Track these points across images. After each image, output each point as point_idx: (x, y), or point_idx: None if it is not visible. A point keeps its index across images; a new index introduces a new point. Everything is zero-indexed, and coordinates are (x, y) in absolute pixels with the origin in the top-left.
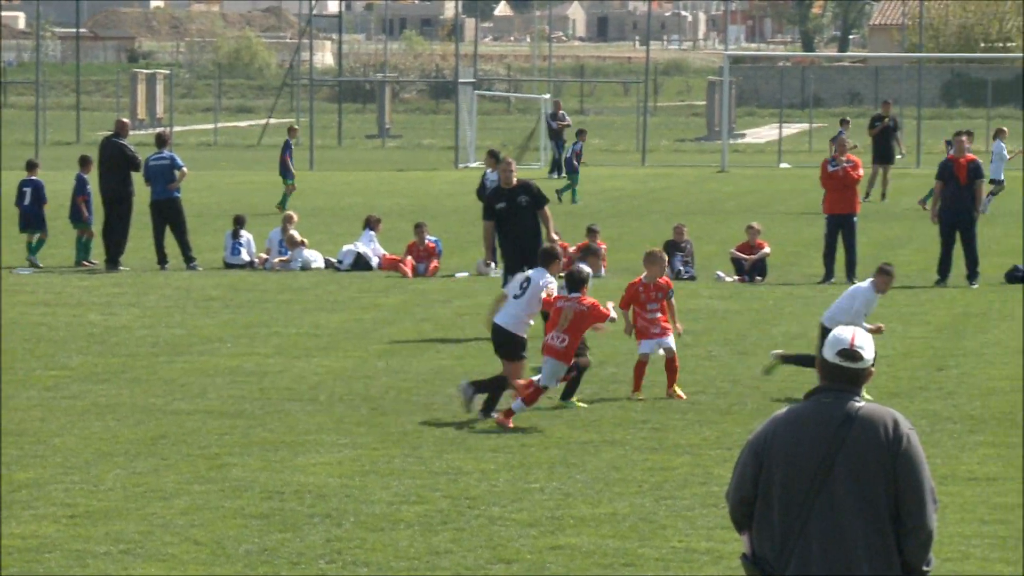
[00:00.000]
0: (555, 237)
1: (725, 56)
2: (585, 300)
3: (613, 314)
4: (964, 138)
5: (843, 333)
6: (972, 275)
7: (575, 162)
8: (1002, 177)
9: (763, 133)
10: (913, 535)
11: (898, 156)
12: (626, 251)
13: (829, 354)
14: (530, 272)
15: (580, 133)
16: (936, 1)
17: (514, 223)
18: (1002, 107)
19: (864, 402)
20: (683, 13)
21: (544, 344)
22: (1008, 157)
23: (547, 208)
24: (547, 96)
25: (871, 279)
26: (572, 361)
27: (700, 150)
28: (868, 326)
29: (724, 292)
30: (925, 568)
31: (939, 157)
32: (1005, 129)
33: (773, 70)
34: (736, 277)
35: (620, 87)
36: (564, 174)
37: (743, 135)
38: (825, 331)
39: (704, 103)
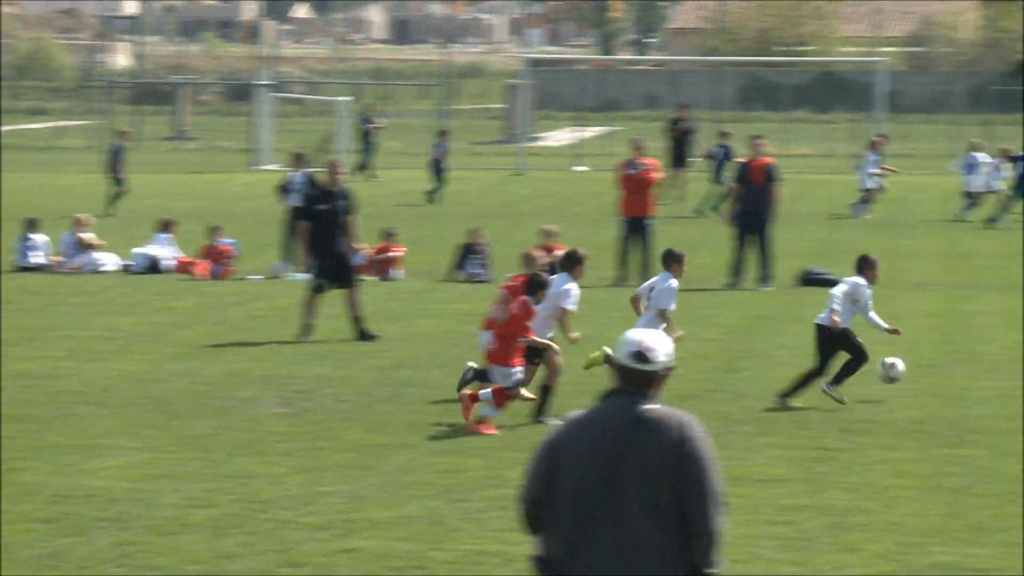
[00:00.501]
0: (361, 246)
1: (524, 59)
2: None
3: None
4: (760, 142)
5: (634, 335)
6: (765, 278)
7: (441, 164)
8: (869, 186)
9: (561, 136)
10: (699, 537)
11: (693, 160)
12: (427, 254)
13: (621, 356)
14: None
15: (443, 134)
16: (735, 2)
17: (333, 226)
18: (798, 110)
19: (655, 404)
20: (482, 16)
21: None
22: (878, 170)
23: (351, 219)
24: (348, 98)
25: (858, 276)
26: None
27: (498, 153)
28: (884, 323)
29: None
30: (712, 570)
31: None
32: (879, 139)
33: (572, 73)
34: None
35: (419, 90)
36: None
37: (541, 138)
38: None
39: (502, 106)
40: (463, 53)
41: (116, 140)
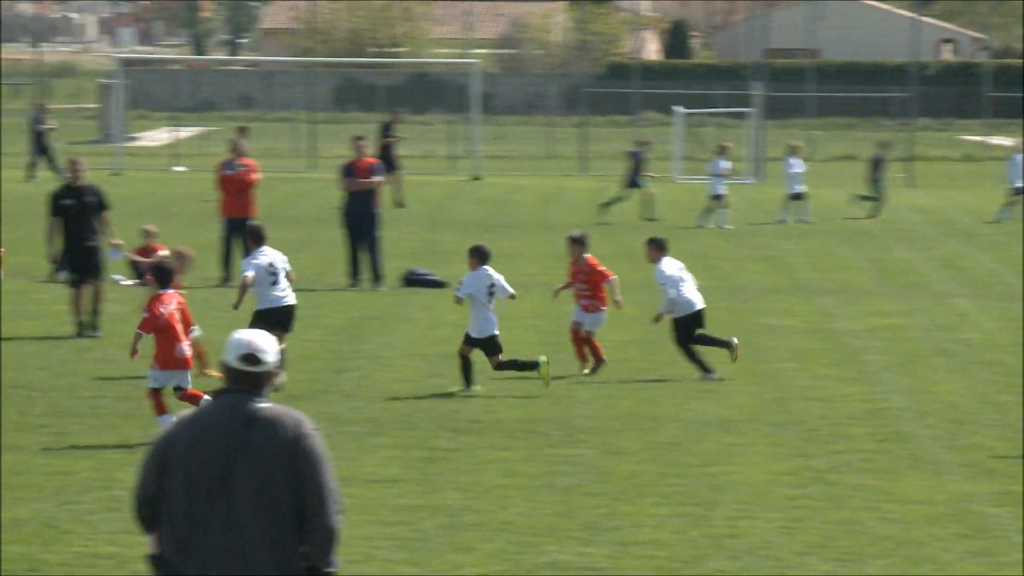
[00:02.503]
0: (118, 242)
1: (116, 59)
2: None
3: None
4: (363, 142)
5: (244, 337)
6: (377, 278)
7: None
8: (719, 192)
9: (157, 136)
10: (315, 534)
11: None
12: (22, 255)
13: (231, 358)
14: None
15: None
16: (325, 3)
17: (79, 222)
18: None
19: (267, 403)
20: (72, 15)
21: None
22: (800, 171)
23: (107, 215)
24: None
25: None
26: None
27: (94, 152)
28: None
29: (122, 295)
30: (329, 569)
31: (336, 161)
32: (727, 145)
33: (166, 73)
34: (136, 280)
35: (11, 89)
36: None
37: (137, 138)
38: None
39: (97, 106)
40: (55, 52)
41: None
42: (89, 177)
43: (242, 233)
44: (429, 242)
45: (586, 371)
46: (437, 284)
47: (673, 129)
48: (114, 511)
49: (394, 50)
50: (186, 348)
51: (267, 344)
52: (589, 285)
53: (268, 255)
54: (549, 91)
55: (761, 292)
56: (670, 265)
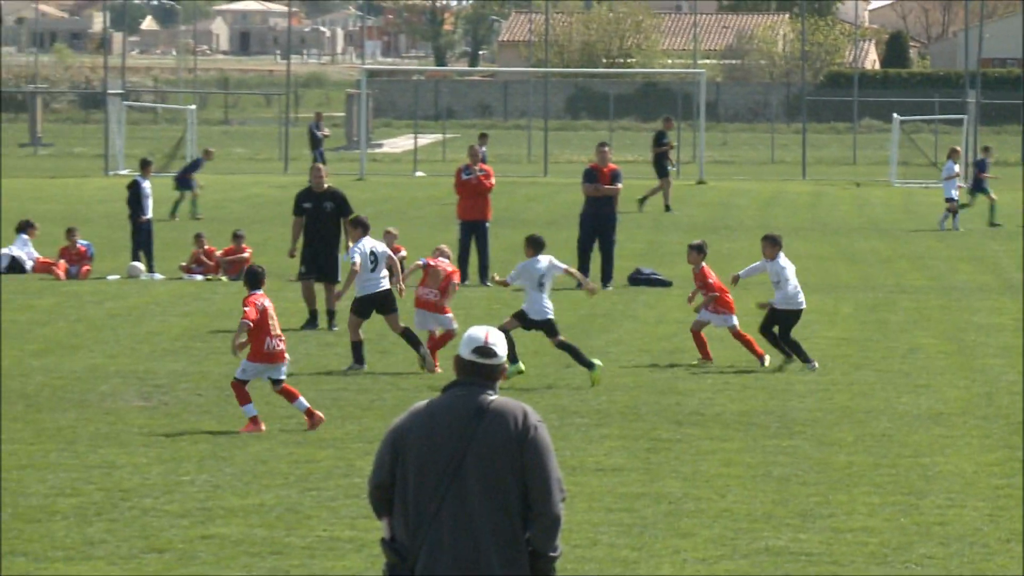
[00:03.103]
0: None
1: (362, 70)
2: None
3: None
4: (606, 148)
5: (477, 332)
6: (607, 278)
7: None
8: (952, 195)
9: (399, 143)
10: (539, 521)
11: (672, 168)
12: (273, 254)
13: (465, 352)
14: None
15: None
16: (561, 16)
17: (316, 225)
18: (624, 119)
19: (496, 396)
20: (322, 29)
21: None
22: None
23: (350, 220)
24: (193, 107)
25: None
26: None
27: (339, 159)
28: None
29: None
30: (552, 554)
31: (567, 167)
32: (958, 149)
33: (408, 83)
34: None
35: (263, 99)
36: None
37: (380, 145)
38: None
39: (343, 114)
40: (304, 64)
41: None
42: (333, 183)
43: (478, 235)
44: (655, 243)
45: (695, 362)
46: (662, 283)
47: (890, 136)
48: (354, 497)
49: (625, 61)
50: (277, 343)
51: (499, 339)
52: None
53: (369, 243)
54: (772, 99)
55: (971, 291)
56: (785, 262)
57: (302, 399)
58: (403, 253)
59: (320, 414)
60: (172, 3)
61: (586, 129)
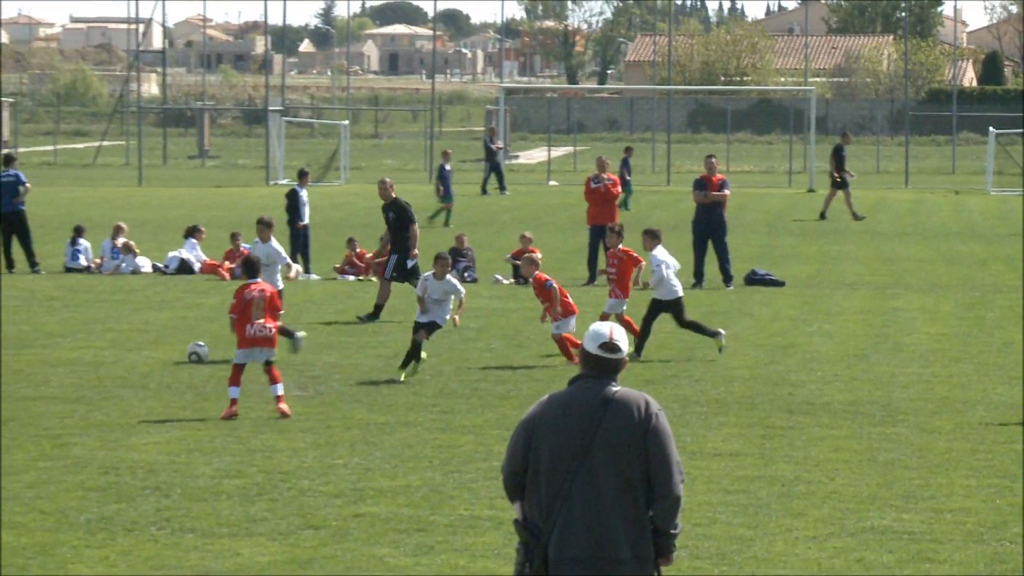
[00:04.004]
0: (416, 254)
1: (500, 88)
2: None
3: None
4: (714, 159)
5: (602, 328)
6: (727, 279)
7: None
8: None
9: (534, 155)
10: (661, 501)
11: (850, 178)
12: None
13: (591, 347)
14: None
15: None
16: (682, 38)
17: (391, 232)
18: (740, 132)
19: (619, 387)
20: (464, 50)
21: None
22: None
23: (414, 227)
24: (346, 122)
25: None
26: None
27: (479, 169)
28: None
29: (502, 293)
30: (673, 531)
31: (687, 176)
32: None
33: (542, 100)
34: (512, 280)
35: (410, 114)
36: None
37: (517, 156)
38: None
39: (483, 128)
40: (447, 82)
41: (441, 160)
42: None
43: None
44: (769, 247)
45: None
46: (776, 283)
47: (986, 147)
48: (492, 479)
49: (741, 79)
50: (259, 329)
51: (622, 335)
52: None
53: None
54: (877, 114)
55: None
56: (662, 252)
57: (279, 386)
58: (538, 255)
59: (286, 408)
60: (327, 27)
61: (705, 142)
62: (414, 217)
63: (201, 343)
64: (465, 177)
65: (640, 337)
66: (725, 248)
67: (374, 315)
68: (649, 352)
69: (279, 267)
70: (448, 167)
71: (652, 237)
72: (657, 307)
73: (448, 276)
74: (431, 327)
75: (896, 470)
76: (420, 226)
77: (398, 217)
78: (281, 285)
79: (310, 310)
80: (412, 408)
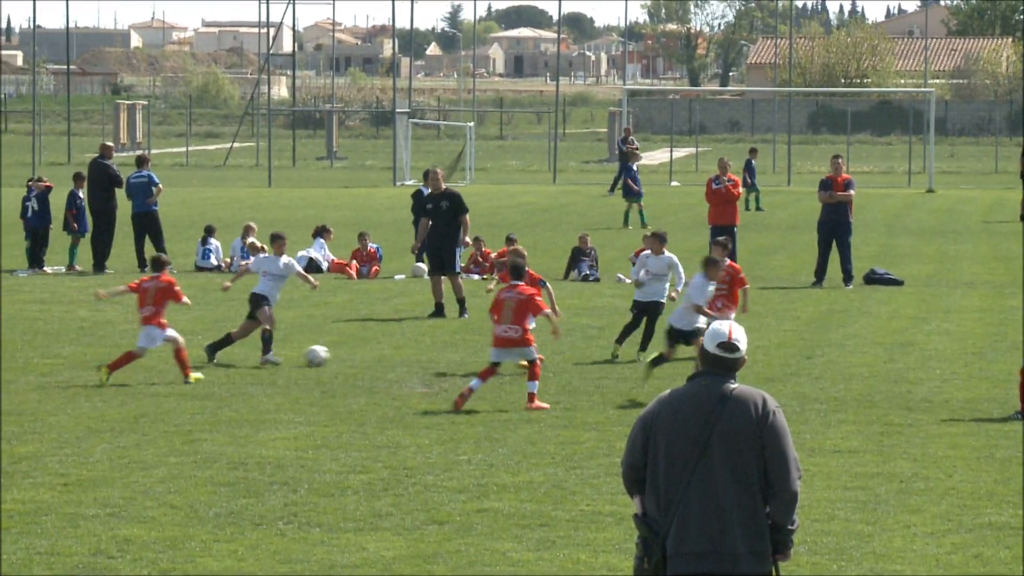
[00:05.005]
0: (467, 241)
1: (624, 90)
2: (524, 290)
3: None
4: (840, 160)
5: (722, 327)
6: (847, 278)
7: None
8: None
9: (657, 156)
10: (779, 497)
11: None
12: (542, 256)
13: (710, 346)
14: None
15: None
16: (803, 40)
17: (435, 224)
18: (860, 134)
19: (737, 384)
20: (587, 53)
21: (495, 336)
22: None
23: (466, 216)
24: (472, 124)
25: (702, 272)
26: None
27: (603, 170)
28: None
29: (625, 292)
30: (790, 527)
31: (808, 177)
32: None
33: (665, 102)
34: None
35: (534, 116)
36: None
37: (640, 157)
38: (673, 331)
39: (606, 130)
40: (571, 85)
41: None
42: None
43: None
44: (888, 246)
45: None
46: (895, 282)
47: None
48: (614, 475)
49: (861, 81)
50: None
51: (741, 335)
52: None
53: None
54: (995, 115)
55: None
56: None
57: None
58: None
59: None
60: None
61: (826, 143)
62: (467, 207)
63: (321, 347)
64: (588, 178)
65: (623, 334)
66: (848, 248)
67: (439, 312)
68: (770, 350)
69: (283, 280)
70: (635, 166)
71: (661, 241)
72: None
73: (285, 255)
74: (260, 300)
75: (1013, 467)
76: (615, 230)
77: (452, 205)
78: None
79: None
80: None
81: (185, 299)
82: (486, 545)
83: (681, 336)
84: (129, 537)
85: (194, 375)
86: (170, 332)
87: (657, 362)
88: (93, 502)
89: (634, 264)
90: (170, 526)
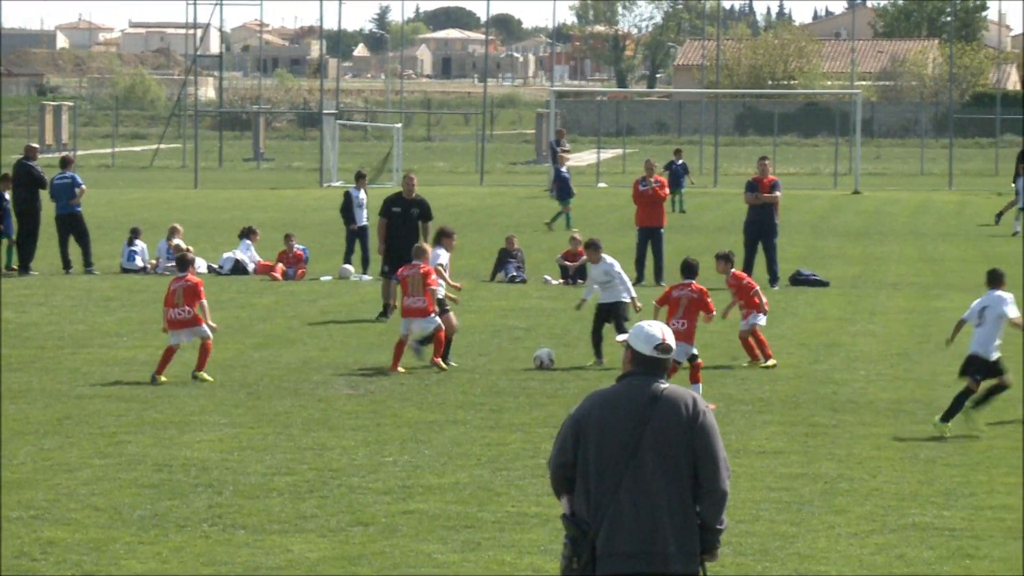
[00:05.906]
0: (425, 247)
1: (551, 91)
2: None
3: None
4: (767, 162)
5: (655, 330)
6: (773, 279)
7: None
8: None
9: (584, 157)
10: (709, 496)
11: None
12: (468, 258)
13: (646, 348)
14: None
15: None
16: (730, 42)
17: (401, 228)
18: (786, 135)
19: (667, 384)
20: (515, 54)
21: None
22: None
23: (429, 224)
24: (399, 125)
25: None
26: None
27: (530, 172)
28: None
29: (551, 293)
30: (719, 527)
31: (734, 178)
32: None
33: (592, 103)
34: (561, 280)
35: (462, 118)
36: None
37: (568, 159)
38: (975, 359)
39: (533, 131)
40: (499, 86)
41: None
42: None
43: (654, 240)
44: (814, 247)
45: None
46: (821, 283)
47: None
48: (540, 477)
49: (788, 82)
50: (178, 313)
51: (672, 337)
52: None
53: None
54: (922, 117)
55: None
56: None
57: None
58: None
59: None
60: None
61: (752, 144)
62: (432, 215)
63: (547, 349)
64: (515, 179)
65: (595, 343)
66: (774, 249)
67: (384, 314)
68: (700, 351)
69: None
70: (565, 169)
71: (596, 249)
72: (604, 311)
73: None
74: None
75: (937, 467)
76: (541, 232)
77: (423, 212)
78: None
79: (361, 309)
80: (461, 406)
81: (204, 301)
82: (411, 547)
83: (986, 367)
84: (53, 539)
85: (206, 375)
86: (205, 328)
87: (978, 403)
88: (16, 504)
89: (561, 267)
90: (94, 528)
